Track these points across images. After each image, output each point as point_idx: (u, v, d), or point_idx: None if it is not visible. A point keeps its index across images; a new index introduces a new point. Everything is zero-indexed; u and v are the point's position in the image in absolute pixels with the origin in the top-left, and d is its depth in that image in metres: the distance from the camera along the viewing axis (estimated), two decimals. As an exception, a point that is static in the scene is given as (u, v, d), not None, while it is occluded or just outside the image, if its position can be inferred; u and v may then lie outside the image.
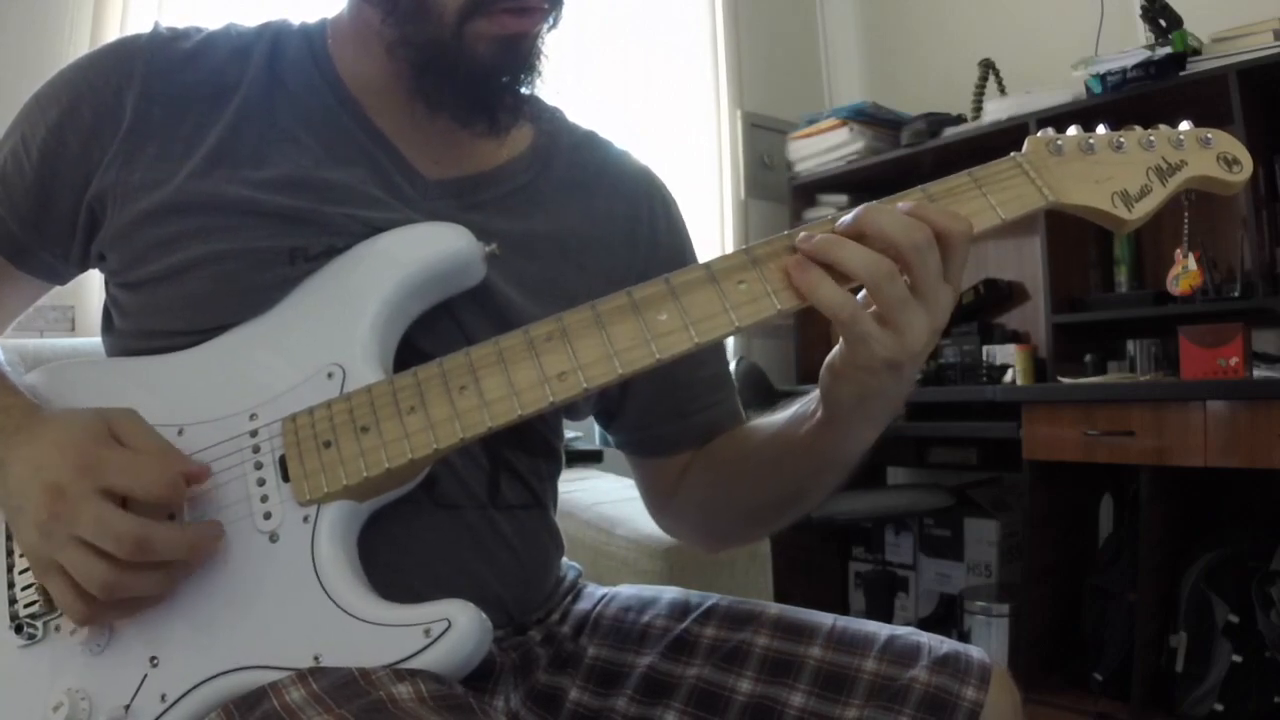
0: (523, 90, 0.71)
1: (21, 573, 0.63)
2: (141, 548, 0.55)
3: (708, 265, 0.61)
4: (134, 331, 0.71)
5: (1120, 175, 0.64)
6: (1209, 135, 0.66)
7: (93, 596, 0.56)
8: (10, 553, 0.64)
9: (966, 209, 0.62)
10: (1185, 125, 0.67)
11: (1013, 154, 0.65)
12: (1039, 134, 0.66)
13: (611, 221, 0.81)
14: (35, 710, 0.59)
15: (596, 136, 0.86)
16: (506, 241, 0.71)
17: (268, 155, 0.69)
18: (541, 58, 0.71)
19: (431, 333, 0.69)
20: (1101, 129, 0.66)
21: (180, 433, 0.63)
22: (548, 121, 0.82)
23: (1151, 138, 0.66)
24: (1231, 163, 0.66)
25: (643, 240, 0.82)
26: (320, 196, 0.69)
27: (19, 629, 0.62)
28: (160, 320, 0.68)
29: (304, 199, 0.68)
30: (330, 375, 0.63)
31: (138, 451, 0.59)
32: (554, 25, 0.70)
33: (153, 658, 0.58)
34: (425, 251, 0.67)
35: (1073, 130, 0.66)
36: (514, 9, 0.65)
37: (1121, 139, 0.65)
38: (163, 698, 0.57)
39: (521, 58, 0.69)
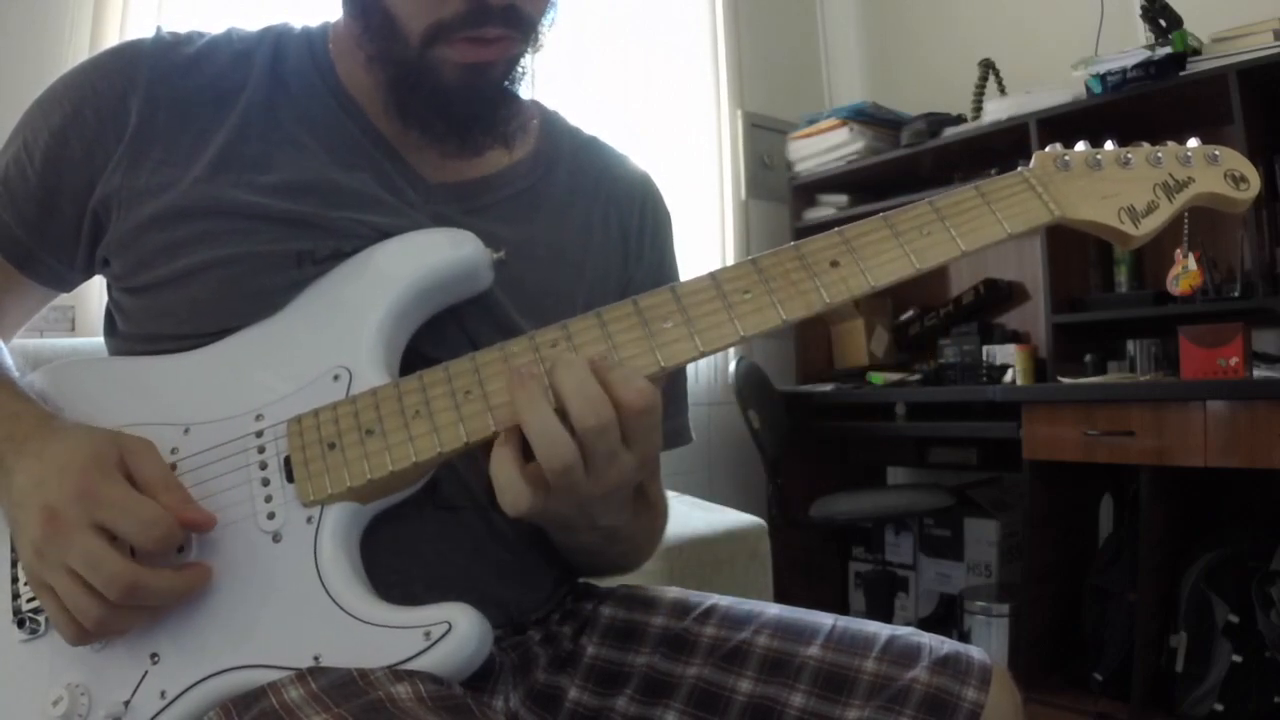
0: (499, 113, 0.71)
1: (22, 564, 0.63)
2: (131, 593, 0.55)
3: (713, 275, 0.61)
4: (138, 335, 0.71)
5: (1127, 191, 0.65)
6: (1216, 152, 0.67)
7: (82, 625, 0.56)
8: (15, 548, 0.64)
9: (973, 224, 0.62)
10: (1193, 142, 0.67)
11: (1020, 169, 0.65)
12: (1046, 149, 0.66)
13: (607, 228, 0.82)
14: (35, 704, 0.59)
15: (598, 142, 0.87)
16: (507, 247, 0.71)
17: (272, 159, 0.70)
18: (520, 81, 0.71)
19: (437, 337, 0.69)
20: (1109, 145, 0.67)
21: (186, 432, 0.64)
22: (549, 125, 0.82)
23: (1159, 154, 0.66)
24: (1239, 180, 0.66)
25: (632, 249, 0.83)
26: (326, 201, 0.69)
27: (21, 624, 0.62)
28: (165, 324, 0.68)
29: (310, 203, 0.68)
30: (336, 378, 0.63)
31: (142, 489, 0.58)
32: (533, 47, 0.70)
33: (153, 655, 0.59)
34: (433, 257, 0.67)
35: (1080, 146, 0.67)
36: (474, 39, 0.65)
37: (1129, 155, 0.66)
38: (162, 694, 0.58)
39: (491, 83, 0.68)
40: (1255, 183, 0.66)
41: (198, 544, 0.61)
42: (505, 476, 0.56)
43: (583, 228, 0.80)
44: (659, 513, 0.79)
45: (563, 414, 0.56)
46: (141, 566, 0.55)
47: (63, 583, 0.55)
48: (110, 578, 0.54)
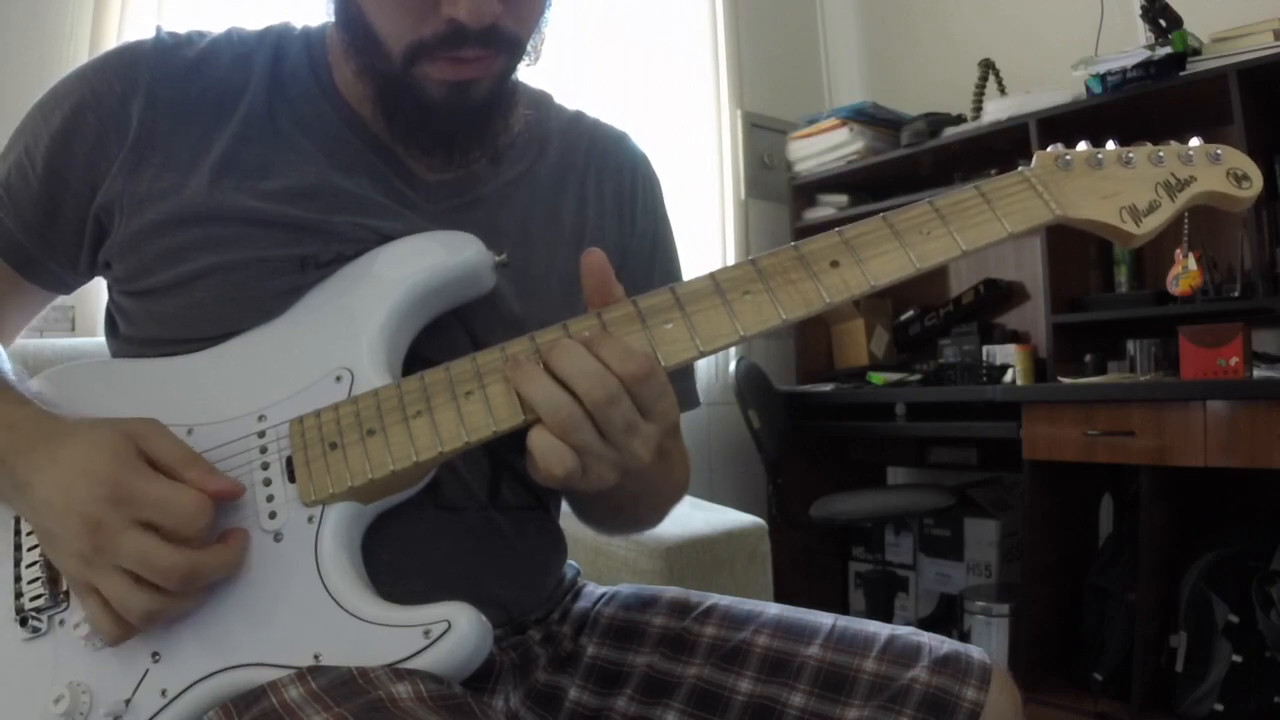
0: (487, 128, 0.71)
1: (29, 566, 0.63)
2: (190, 579, 0.56)
3: (713, 275, 0.61)
4: (140, 338, 0.71)
5: (1128, 190, 0.65)
6: (1218, 151, 0.67)
7: (128, 621, 0.57)
8: (18, 547, 0.64)
9: (974, 223, 0.62)
10: (1195, 141, 0.67)
11: (1021, 169, 0.65)
12: (1048, 149, 0.66)
13: (601, 201, 0.82)
14: (37, 702, 0.59)
15: (584, 115, 0.87)
16: (507, 235, 0.71)
17: (273, 164, 0.70)
18: (511, 95, 0.71)
19: (439, 339, 0.69)
20: (1111, 145, 0.67)
21: (189, 433, 0.64)
22: (537, 107, 0.82)
23: (1160, 153, 0.66)
24: (1240, 178, 0.66)
25: (626, 217, 0.84)
26: (327, 205, 0.69)
27: (24, 622, 0.62)
28: (168, 328, 0.69)
29: (312, 208, 0.69)
30: (338, 379, 0.64)
31: (166, 472, 0.58)
32: (528, 61, 0.70)
33: (155, 653, 0.59)
34: (435, 260, 0.67)
35: (1082, 146, 0.67)
36: (453, 58, 0.65)
37: (1130, 154, 0.66)
38: (163, 693, 0.58)
39: (476, 100, 0.68)
40: (1257, 181, 0.66)
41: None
42: (544, 442, 0.56)
43: (577, 203, 0.81)
44: (674, 464, 0.78)
45: (570, 393, 0.56)
46: (193, 551, 0.56)
47: (112, 583, 0.56)
48: (169, 570, 0.55)
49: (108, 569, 0.56)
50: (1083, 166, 0.65)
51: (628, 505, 0.76)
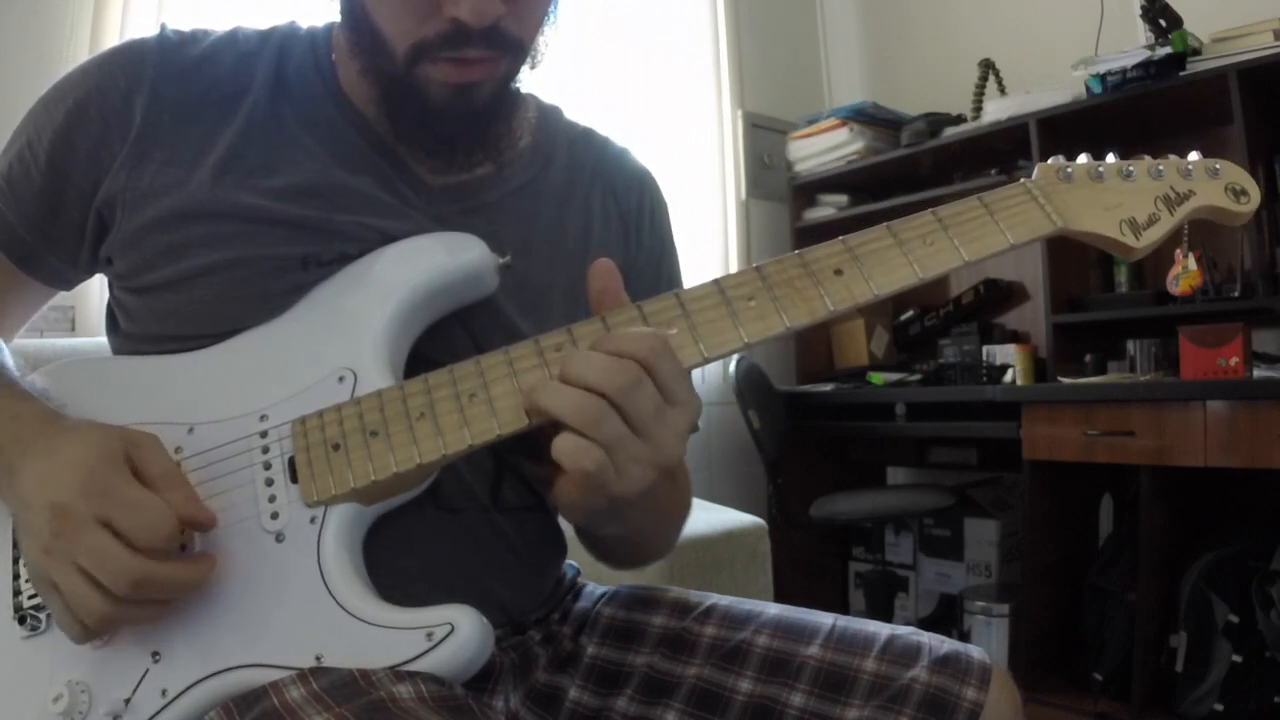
0: (489, 131, 0.71)
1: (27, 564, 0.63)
2: (138, 587, 0.55)
3: (717, 281, 0.61)
4: (141, 335, 0.71)
5: (1129, 203, 0.65)
6: (1217, 165, 0.67)
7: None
8: (16, 544, 0.64)
9: (976, 234, 0.62)
10: (1194, 155, 0.68)
11: (1022, 180, 0.66)
12: (1049, 161, 0.67)
13: (607, 217, 0.82)
14: (36, 701, 0.59)
15: (593, 133, 0.87)
16: (509, 245, 0.71)
17: (276, 163, 0.70)
18: (514, 99, 0.71)
19: (442, 341, 0.69)
20: (1111, 157, 0.67)
21: (190, 431, 0.64)
22: (546, 119, 0.82)
23: (1160, 167, 0.66)
24: (1239, 193, 0.67)
25: (631, 235, 0.83)
26: (331, 204, 0.69)
27: (22, 620, 0.62)
28: (169, 325, 0.68)
29: (315, 207, 0.69)
30: (341, 379, 0.64)
31: (148, 485, 0.58)
32: (530, 63, 0.70)
33: (155, 653, 0.59)
34: (439, 261, 0.67)
35: (1083, 158, 0.67)
36: (455, 59, 0.65)
37: (1131, 167, 0.66)
38: (163, 693, 0.58)
39: (478, 103, 0.68)
40: (1256, 196, 0.67)
41: (201, 543, 0.61)
42: (569, 443, 0.54)
43: (582, 218, 0.80)
44: (681, 485, 0.78)
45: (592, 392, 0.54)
46: (149, 559, 0.55)
47: (69, 580, 0.55)
48: (118, 572, 0.54)
49: (66, 564, 0.55)
50: (1083, 178, 0.66)
51: (645, 529, 0.75)
